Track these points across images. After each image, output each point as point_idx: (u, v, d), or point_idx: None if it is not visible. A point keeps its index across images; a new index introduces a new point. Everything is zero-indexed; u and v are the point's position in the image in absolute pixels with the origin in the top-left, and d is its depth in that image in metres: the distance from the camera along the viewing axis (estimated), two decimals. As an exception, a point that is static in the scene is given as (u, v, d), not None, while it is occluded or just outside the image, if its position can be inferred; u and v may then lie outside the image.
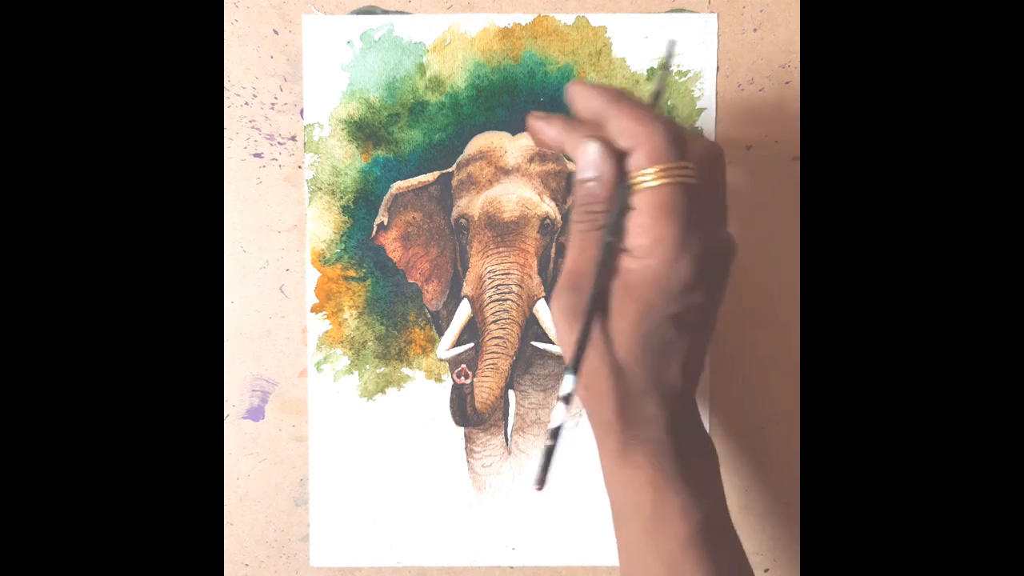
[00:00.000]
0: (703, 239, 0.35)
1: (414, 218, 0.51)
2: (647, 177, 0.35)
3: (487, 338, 0.51)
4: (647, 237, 0.34)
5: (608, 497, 0.39)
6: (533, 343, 0.52)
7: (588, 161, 0.37)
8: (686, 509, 0.36)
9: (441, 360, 0.51)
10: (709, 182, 0.37)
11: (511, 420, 0.52)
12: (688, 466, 0.37)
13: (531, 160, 0.50)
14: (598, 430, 0.39)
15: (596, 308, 0.37)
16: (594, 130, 0.37)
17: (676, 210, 0.34)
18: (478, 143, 0.50)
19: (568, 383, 0.37)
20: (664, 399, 0.37)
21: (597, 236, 0.37)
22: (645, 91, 0.50)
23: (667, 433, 0.37)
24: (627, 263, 0.36)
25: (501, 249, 0.51)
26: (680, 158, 0.35)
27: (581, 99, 0.38)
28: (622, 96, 0.36)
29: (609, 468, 0.39)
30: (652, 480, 0.36)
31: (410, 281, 0.51)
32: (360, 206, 0.51)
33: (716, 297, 0.38)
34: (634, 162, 0.35)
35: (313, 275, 0.51)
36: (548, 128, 0.39)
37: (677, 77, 0.50)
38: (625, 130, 0.35)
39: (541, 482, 0.37)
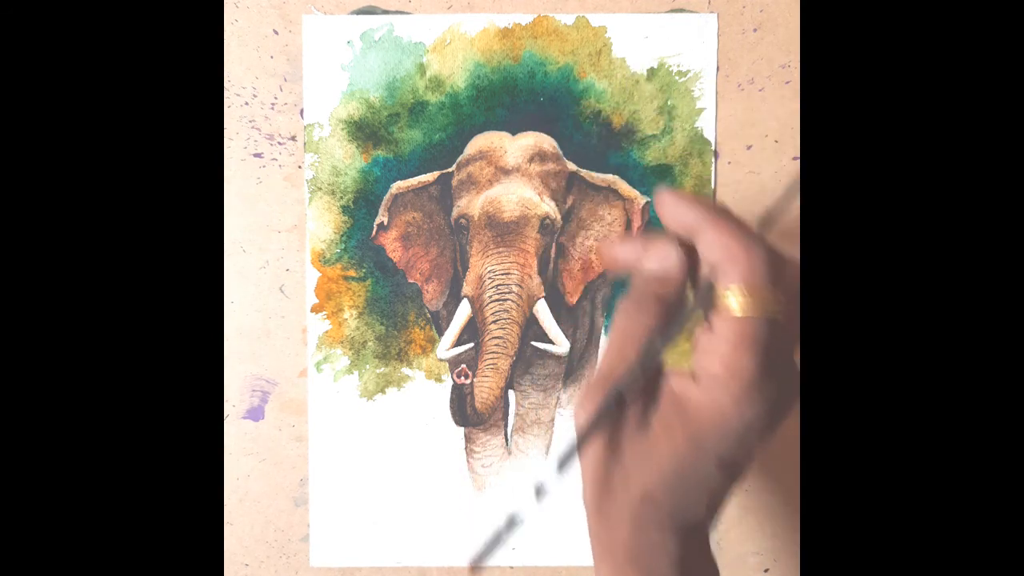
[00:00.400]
0: (778, 383, 0.31)
1: (414, 218, 0.51)
2: (735, 300, 0.31)
3: (487, 338, 0.51)
4: (722, 367, 0.31)
5: None
6: (533, 343, 0.52)
7: (664, 254, 0.34)
8: None
9: (441, 360, 0.51)
10: (792, 313, 0.33)
11: (511, 420, 0.52)
12: None
13: (531, 160, 0.50)
14: (597, 548, 0.35)
15: (621, 415, 0.33)
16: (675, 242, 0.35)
17: (760, 346, 0.30)
18: (478, 143, 0.50)
19: (550, 478, 0.34)
20: (682, 534, 0.33)
21: (639, 337, 0.33)
22: (645, 91, 0.50)
23: (673, 568, 0.33)
24: (688, 389, 0.32)
25: (501, 249, 0.51)
26: (775, 288, 0.31)
27: (673, 209, 0.34)
28: (720, 210, 0.33)
29: None
30: None
31: (410, 281, 0.51)
32: (360, 206, 0.51)
33: (766, 439, 0.34)
34: (723, 280, 0.31)
35: (313, 275, 0.51)
36: (623, 249, 0.36)
37: (677, 77, 0.50)
38: (721, 245, 0.32)
39: (476, 565, 0.35)
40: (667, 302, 0.34)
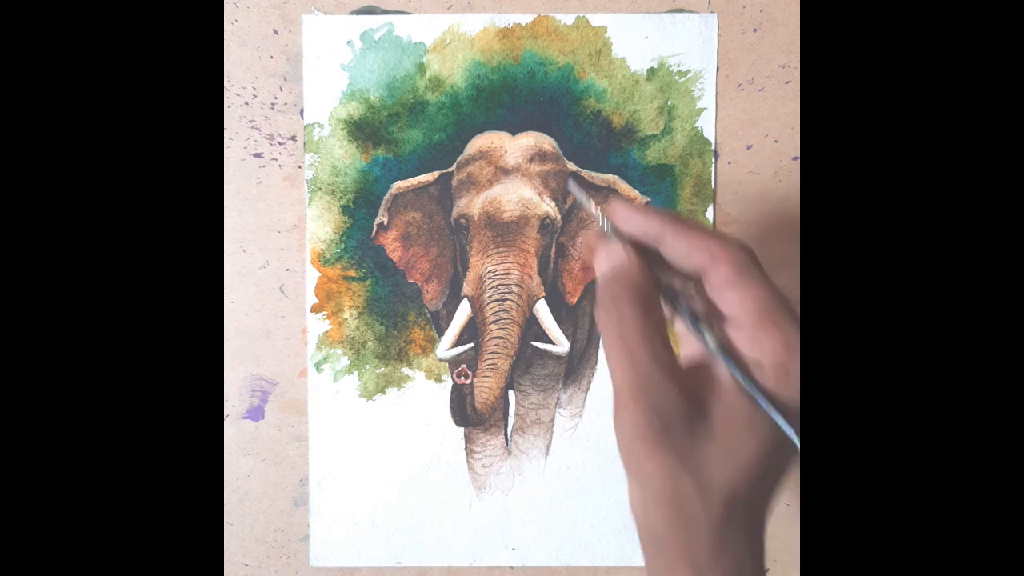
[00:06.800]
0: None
1: (414, 218, 0.51)
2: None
3: (487, 338, 0.51)
4: (785, 351, 0.33)
5: None
6: (533, 343, 0.52)
7: (613, 254, 0.35)
8: None
9: (441, 360, 0.51)
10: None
11: (511, 420, 0.52)
12: None
13: (531, 160, 0.50)
14: (669, 557, 0.33)
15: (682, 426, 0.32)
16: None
17: (782, 313, 0.34)
18: (478, 143, 0.50)
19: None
20: (762, 521, 0.33)
21: (640, 339, 0.33)
22: (645, 91, 0.50)
23: (755, 557, 0.33)
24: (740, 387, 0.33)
25: (501, 249, 0.51)
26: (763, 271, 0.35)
27: (629, 222, 0.35)
28: (678, 217, 0.35)
29: None
30: None
31: (410, 281, 0.51)
32: (360, 206, 0.51)
33: None
34: (715, 279, 0.34)
35: (313, 275, 0.51)
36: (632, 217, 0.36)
37: (677, 77, 0.50)
38: (697, 247, 0.33)
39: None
40: (642, 293, 0.34)
